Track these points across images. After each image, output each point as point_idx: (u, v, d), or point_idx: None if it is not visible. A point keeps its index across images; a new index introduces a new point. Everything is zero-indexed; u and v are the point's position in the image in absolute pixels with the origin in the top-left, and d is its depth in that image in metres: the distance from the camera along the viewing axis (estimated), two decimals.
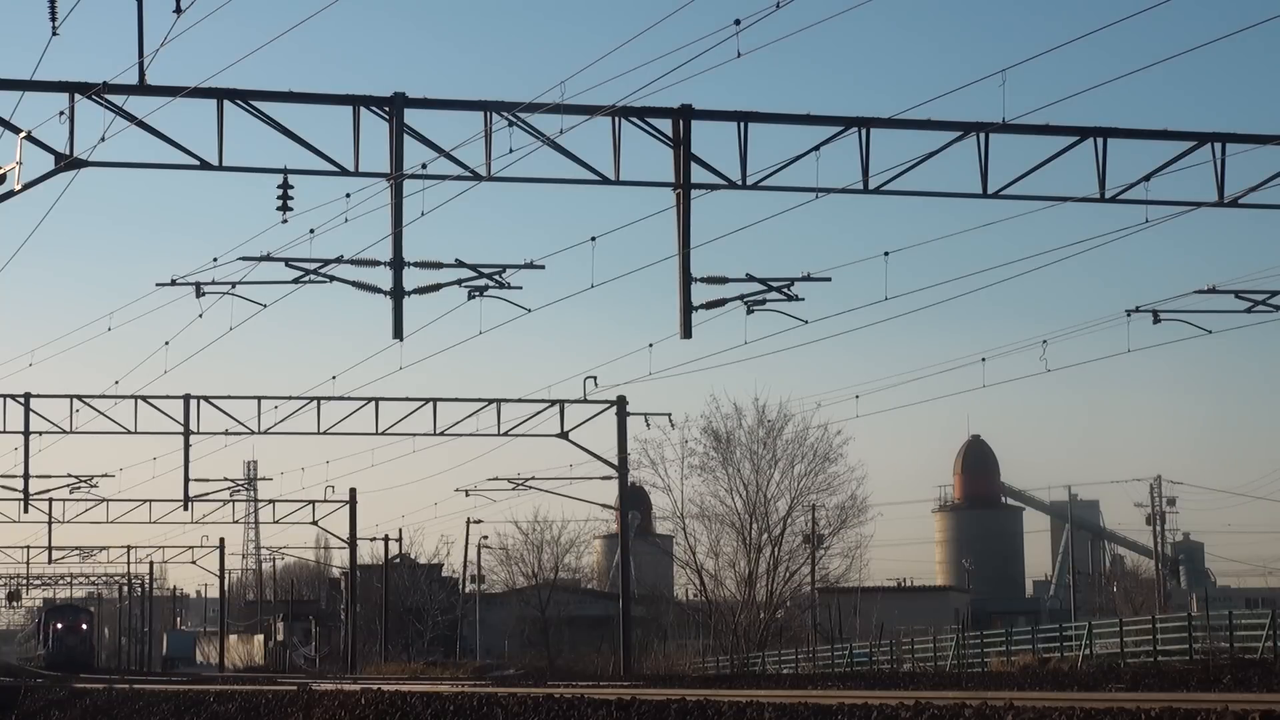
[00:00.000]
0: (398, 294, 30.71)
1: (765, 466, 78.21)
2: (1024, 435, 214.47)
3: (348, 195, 30.72)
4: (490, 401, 59.15)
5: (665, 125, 30.85)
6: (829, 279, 33.33)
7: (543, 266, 33.68)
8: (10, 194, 28.61)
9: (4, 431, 58.48)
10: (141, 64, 27.94)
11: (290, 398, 58.05)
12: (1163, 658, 54.80)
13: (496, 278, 33.20)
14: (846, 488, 79.00)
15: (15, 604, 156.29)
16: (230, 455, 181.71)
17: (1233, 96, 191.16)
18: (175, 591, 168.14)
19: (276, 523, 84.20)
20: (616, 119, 30.24)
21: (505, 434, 59.35)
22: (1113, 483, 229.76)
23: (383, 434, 58.38)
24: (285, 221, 29.85)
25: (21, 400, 57.85)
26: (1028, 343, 43.54)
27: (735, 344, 36.77)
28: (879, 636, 79.78)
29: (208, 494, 75.96)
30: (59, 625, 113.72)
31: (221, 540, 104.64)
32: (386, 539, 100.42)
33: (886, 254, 32.75)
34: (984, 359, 44.45)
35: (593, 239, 32.67)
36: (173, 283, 36.04)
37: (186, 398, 58.98)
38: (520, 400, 59.88)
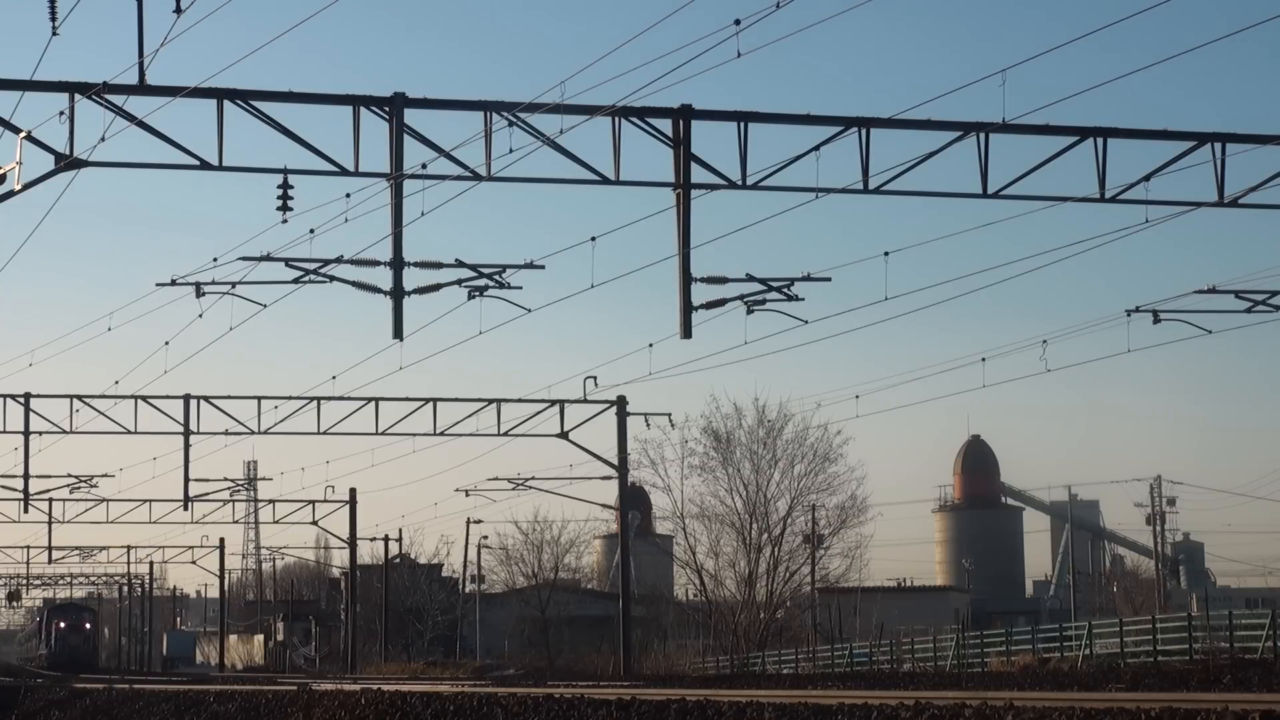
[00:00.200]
0: (398, 294, 30.71)
1: (765, 466, 78.31)
2: (1024, 435, 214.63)
3: (348, 195, 30.76)
4: (490, 401, 59.19)
5: (665, 125, 30.85)
6: (829, 279, 33.36)
7: (543, 266, 33.71)
8: (10, 194, 28.62)
9: (4, 431, 58.52)
10: (141, 64, 27.97)
11: (290, 398, 58.10)
12: (1163, 658, 54.80)
13: (496, 278, 33.20)
14: (846, 488, 79.16)
15: (15, 604, 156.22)
16: (230, 455, 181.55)
17: (1233, 96, 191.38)
18: (175, 591, 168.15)
19: (276, 523, 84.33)
20: (616, 119, 30.24)
21: (505, 434, 59.41)
22: (1113, 483, 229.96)
23: (383, 434, 58.43)
24: (285, 221, 29.88)
25: (21, 400, 57.85)
26: (1028, 343, 43.58)
27: (735, 344, 36.81)
28: (879, 636, 79.77)
29: (208, 494, 76.03)
30: (62, 624, 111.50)
31: (221, 540, 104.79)
32: (386, 539, 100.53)
33: (886, 254, 32.79)
34: (984, 359, 44.50)
35: (593, 239, 32.71)
36: (173, 283, 36.05)
37: (186, 398, 59.00)
38: (520, 400, 59.96)
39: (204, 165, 29.11)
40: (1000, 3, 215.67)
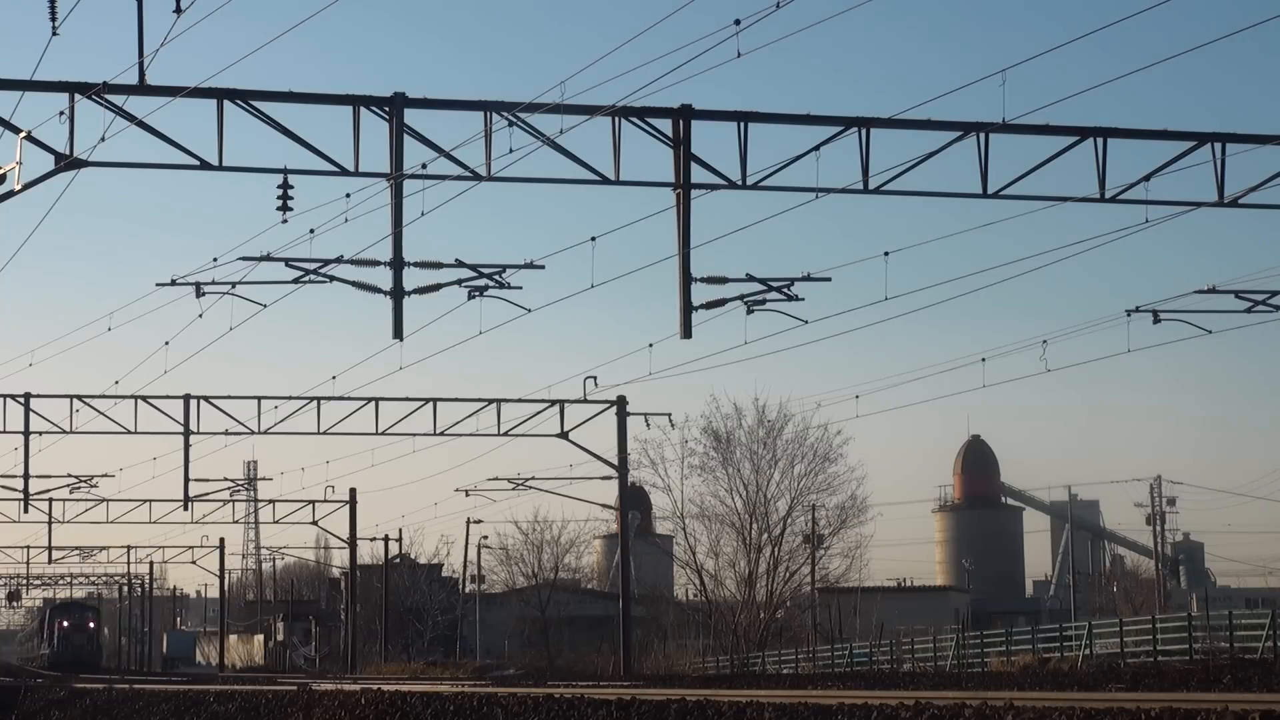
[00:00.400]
0: (398, 294, 30.71)
1: (765, 466, 78.36)
2: (1024, 435, 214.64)
3: (348, 195, 30.76)
4: (490, 401, 59.18)
5: (665, 125, 30.85)
6: (829, 279, 33.37)
7: (543, 266, 33.71)
8: (10, 194, 28.62)
9: (4, 431, 58.50)
10: (141, 64, 27.97)
11: (290, 398, 58.09)
12: (1163, 658, 54.80)
13: (496, 278, 33.20)
14: (846, 488, 79.22)
15: (15, 604, 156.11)
16: (230, 455, 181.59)
17: (1233, 96, 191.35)
18: (175, 591, 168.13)
19: (276, 523, 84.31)
20: (616, 119, 30.24)
21: (505, 434, 59.40)
22: (1113, 483, 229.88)
23: (383, 434, 58.42)
24: (285, 221, 29.88)
25: (21, 400, 57.84)
26: (1028, 343, 43.56)
27: (735, 344, 36.81)
28: (879, 636, 79.78)
29: (208, 494, 76.00)
30: (64, 623, 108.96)
31: (221, 540, 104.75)
32: (386, 539, 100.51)
33: (886, 254, 32.79)
34: (984, 359, 44.49)
35: (593, 239, 32.71)
36: (173, 283, 36.05)
37: (186, 398, 58.99)
38: (520, 400, 59.95)
39: (204, 165, 29.11)
40: (1000, 3, 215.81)
